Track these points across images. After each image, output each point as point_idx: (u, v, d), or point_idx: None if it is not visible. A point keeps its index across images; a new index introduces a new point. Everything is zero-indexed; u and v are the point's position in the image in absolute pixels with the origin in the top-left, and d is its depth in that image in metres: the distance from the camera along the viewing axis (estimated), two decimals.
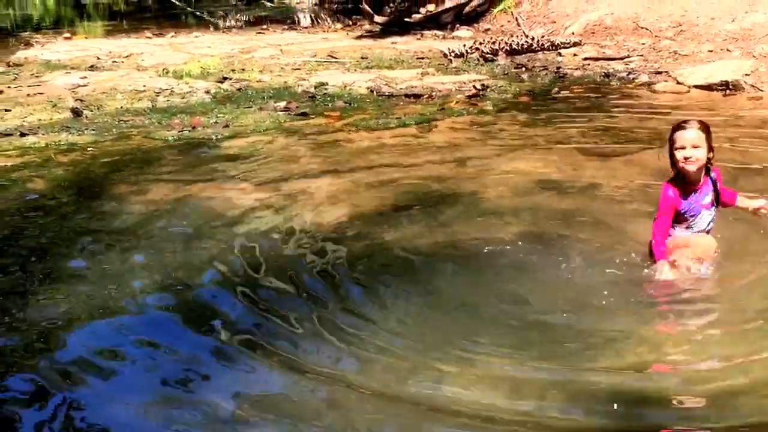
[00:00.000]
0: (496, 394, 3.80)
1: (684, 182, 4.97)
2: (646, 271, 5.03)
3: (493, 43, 12.73)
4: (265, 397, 3.88)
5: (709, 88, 10.01)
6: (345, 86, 10.66)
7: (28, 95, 10.26)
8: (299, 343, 4.32)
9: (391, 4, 17.66)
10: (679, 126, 4.92)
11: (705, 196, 5.03)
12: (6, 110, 9.45)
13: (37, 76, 11.46)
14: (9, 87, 10.69)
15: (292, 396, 3.85)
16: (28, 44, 14.46)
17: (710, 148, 4.90)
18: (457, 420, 3.66)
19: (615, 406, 3.69)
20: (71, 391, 3.92)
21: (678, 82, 10.32)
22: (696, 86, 10.11)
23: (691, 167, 4.85)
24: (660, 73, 10.95)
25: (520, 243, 5.59)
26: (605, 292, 4.76)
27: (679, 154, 4.87)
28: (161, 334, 4.48)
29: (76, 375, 4.06)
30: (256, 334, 4.45)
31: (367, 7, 15.71)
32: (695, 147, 4.83)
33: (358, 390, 3.86)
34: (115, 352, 4.30)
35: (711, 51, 11.67)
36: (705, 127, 4.89)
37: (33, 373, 4.06)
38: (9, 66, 12.23)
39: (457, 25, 15.19)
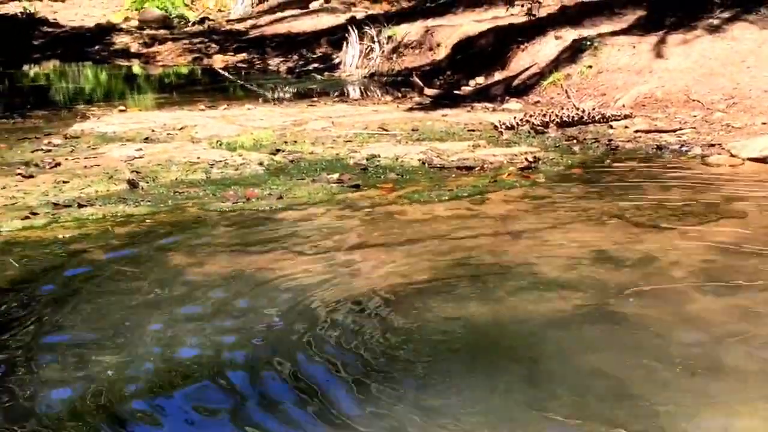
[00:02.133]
0: None
1: None
2: None
3: (544, 115, 12.76)
4: None
5: (763, 160, 9.93)
6: (397, 158, 10.71)
7: (86, 167, 10.43)
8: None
9: (441, 77, 17.82)
10: None
11: None
12: (64, 182, 9.60)
13: (93, 148, 11.65)
14: (67, 159, 10.87)
15: None
16: (84, 117, 14.70)
17: None
18: None
19: None
20: None
21: (732, 155, 10.25)
22: (750, 159, 10.04)
23: None
24: (713, 145, 10.89)
25: (579, 318, 5.55)
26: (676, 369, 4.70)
27: None
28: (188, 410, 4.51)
29: None
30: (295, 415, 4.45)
31: (417, 80, 15.86)
32: None
33: None
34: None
35: (765, 123, 11.61)
36: None
37: None
38: (66, 138, 12.44)
39: (507, 98, 15.25)
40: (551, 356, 5.06)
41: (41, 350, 5.28)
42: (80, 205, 8.63)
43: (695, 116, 12.45)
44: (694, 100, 12.93)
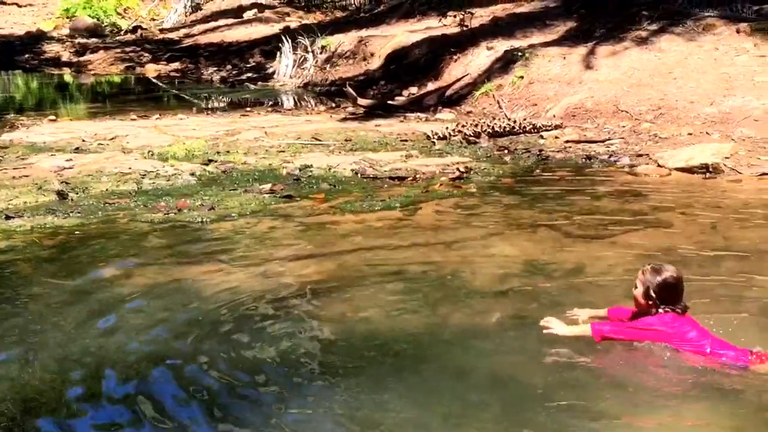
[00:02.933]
0: None
1: None
2: None
3: (476, 125, 12.86)
4: None
5: (689, 170, 10.13)
6: (329, 168, 10.72)
7: (14, 177, 10.27)
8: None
9: (375, 87, 17.88)
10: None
11: None
12: None
13: (22, 159, 11.48)
14: None
15: None
16: (13, 126, 14.48)
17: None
18: None
19: None
20: None
21: (659, 165, 10.43)
22: (677, 169, 10.23)
23: None
24: (641, 155, 11.08)
25: (502, 327, 5.64)
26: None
27: None
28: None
29: None
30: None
31: (351, 90, 15.86)
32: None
33: None
34: None
35: (691, 134, 11.84)
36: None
37: None
38: None
39: (440, 108, 15.34)
40: (474, 361, 5.15)
41: None
42: (8, 217, 8.49)
43: (624, 127, 12.65)
44: (622, 111, 13.14)
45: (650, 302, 5.26)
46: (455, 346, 5.43)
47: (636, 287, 5.33)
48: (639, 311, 5.37)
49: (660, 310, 5.23)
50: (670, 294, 5.23)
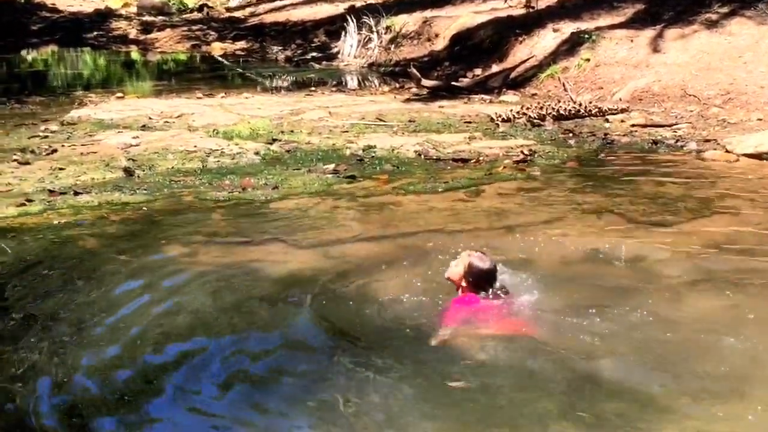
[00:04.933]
0: None
1: None
2: None
3: (540, 108, 12.76)
4: None
5: (758, 156, 9.95)
6: (393, 149, 10.72)
7: (82, 154, 10.43)
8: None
9: (439, 68, 17.82)
10: None
11: None
12: (60, 169, 9.62)
13: (90, 135, 11.65)
14: (63, 146, 10.87)
15: None
16: (81, 103, 14.70)
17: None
18: None
19: None
20: None
21: (727, 151, 10.26)
22: (745, 155, 10.05)
23: None
24: (708, 141, 10.91)
25: (564, 313, 5.61)
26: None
27: None
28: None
29: None
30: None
31: (415, 71, 15.83)
32: None
33: None
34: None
35: (760, 119, 11.63)
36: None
37: None
38: (63, 125, 12.44)
39: (504, 90, 15.25)
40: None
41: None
42: (76, 193, 8.64)
43: (691, 111, 12.46)
44: (690, 95, 12.94)
45: (466, 284, 5.68)
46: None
47: (456, 266, 5.73)
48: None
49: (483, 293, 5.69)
50: (483, 281, 5.70)
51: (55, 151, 10.58)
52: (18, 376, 4.85)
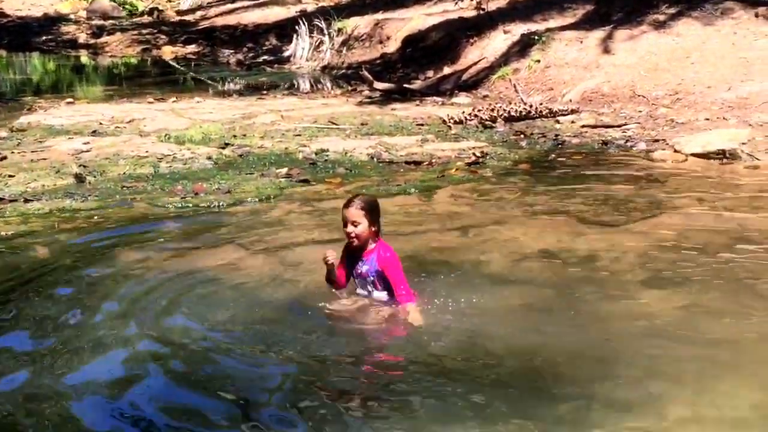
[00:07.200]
0: None
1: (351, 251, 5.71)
2: None
3: (492, 109, 12.85)
4: None
5: (706, 156, 10.10)
6: (346, 153, 10.75)
7: (32, 161, 10.33)
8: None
9: (391, 71, 17.86)
10: (344, 204, 5.61)
11: (364, 265, 5.58)
12: (10, 176, 9.52)
13: (40, 141, 11.54)
14: (13, 152, 10.75)
15: None
16: (31, 109, 14.55)
17: (372, 223, 5.53)
18: None
19: None
20: None
21: (675, 150, 10.40)
22: (693, 154, 10.20)
23: (352, 242, 5.58)
24: (657, 141, 11.05)
25: (516, 314, 5.67)
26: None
27: (345, 229, 5.57)
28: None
29: None
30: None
31: (367, 74, 15.86)
32: (354, 224, 5.48)
33: None
34: None
35: (708, 119, 11.79)
36: (366, 205, 5.55)
37: None
38: (12, 131, 12.30)
39: (456, 92, 15.32)
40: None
41: None
42: (26, 200, 8.56)
43: (640, 111, 12.61)
44: (639, 96, 13.10)
45: (376, 228, 5.60)
46: (465, 332, 5.45)
47: (358, 223, 5.51)
48: (355, 247, 5.63)
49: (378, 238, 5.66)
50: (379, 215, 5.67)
51: (4, 158, 10.47)
52: None
